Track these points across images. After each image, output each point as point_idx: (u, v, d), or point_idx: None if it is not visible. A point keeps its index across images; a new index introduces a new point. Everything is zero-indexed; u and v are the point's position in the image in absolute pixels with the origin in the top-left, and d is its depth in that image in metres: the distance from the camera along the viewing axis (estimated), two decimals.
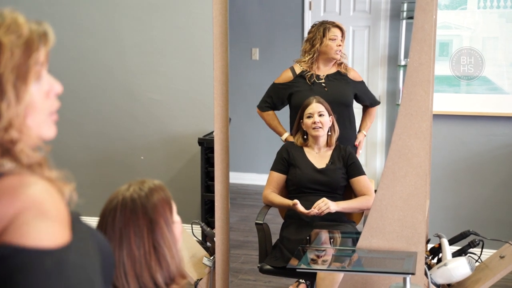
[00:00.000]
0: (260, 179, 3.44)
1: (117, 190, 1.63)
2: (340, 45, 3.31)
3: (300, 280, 3.38)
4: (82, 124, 4.90)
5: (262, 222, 3.18)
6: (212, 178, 4.16)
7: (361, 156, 3.38)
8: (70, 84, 4.80)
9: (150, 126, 4.77)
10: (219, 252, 3.05)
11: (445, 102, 4.15)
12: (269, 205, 3.26)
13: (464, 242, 3.04)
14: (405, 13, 3.60)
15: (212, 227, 3.14)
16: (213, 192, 3.04)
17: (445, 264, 2.78)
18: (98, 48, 4.78)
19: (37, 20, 1.15)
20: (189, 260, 3.11)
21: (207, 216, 4.38)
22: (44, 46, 1.14)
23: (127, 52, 4.74)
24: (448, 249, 2.89)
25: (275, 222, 3.29)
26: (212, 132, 4.33)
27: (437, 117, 4.02)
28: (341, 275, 2.84)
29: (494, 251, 3.16)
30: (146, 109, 4.76)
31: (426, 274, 2.76)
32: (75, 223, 1.11)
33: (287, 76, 3.37)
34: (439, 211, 4.24)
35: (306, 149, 3.24)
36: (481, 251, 2.97)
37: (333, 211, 3.09)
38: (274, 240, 3.25)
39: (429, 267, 2.84)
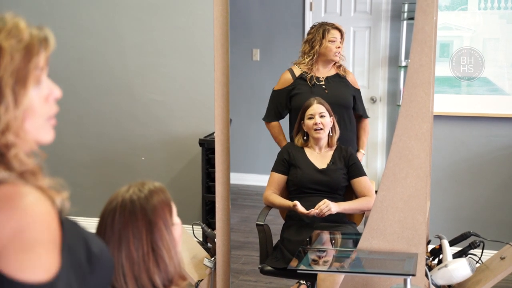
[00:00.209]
0: (261, 180, 3.44)
1: (116, 192, 1.63)
2: (339, 47, 3.31)
3: (301, 281, 3.38)
4: (82, 124, 4.90)
5: (263, 223, 3.18)
6: (213, 179, 4.17)
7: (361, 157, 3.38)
8: (71, 85, 4.81)
9: (151, 127, 4.77)
10: (220, 253, 3.05)
11: (445, 103, 4.15)
12: (269, 206, 3.26)
13: (465, 243, 3.04)
14: (405, 14, 3.60)
15: (213, 228, 3.14)
16: (214, 193, 3.04)
17: (445, 265, 2.78)
18: (99, 48, 4.78)
19: (38, 25, 1.16)
20: (190, 261, 3.12)
21: (208, 217, 4.38)
22: (45, 51, 1.15)
23: (128, 53, 4.74)
24: (449, 250, 2.89)
25: (276, 223, 3.30)
26: (213, 133, 4.33)
27: (438, 118, 4.03)
28: (341, 276, 2.84)
29: (495, 252, 3.16)
30: (147, 109, 4.76)
31: (426, 275, 2.76)
32: (66, 239, 1.12)
33: (287, 78, 3.36)
34: (439, 212, 4.24)
35: (306, 150, 3.24)
36: (482, 252, 2.97)
37: (334, 212, 3.09)
38: (275, 241, 3.25)
39: (430, 268, 2.84)
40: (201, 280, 3.06)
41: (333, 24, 3.31)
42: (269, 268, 3.14)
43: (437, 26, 3.17)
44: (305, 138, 3.24)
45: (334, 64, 3.34)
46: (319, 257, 2.87)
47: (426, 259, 2.83)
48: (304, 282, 3.37)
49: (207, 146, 4.29)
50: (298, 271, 2.69)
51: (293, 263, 2.73)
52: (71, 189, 1.16)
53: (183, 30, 4.60)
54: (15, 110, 1.09)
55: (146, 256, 1.55)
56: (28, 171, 1.10)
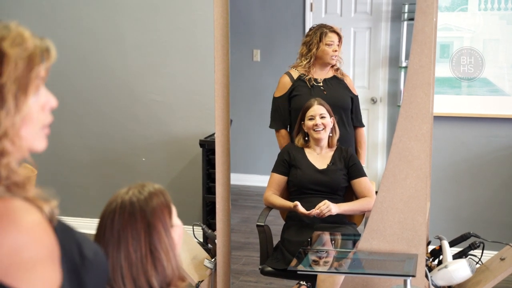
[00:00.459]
0: (261, 180, 3.44)
1: (116, 193, 1.64)
2: (336, 51, 3.30)
3: (301, 282, 3.38)
4: (83, 125, 4.91)
5: (263, 224, 3.19)
6: (213, 180, 4.16)
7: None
8: (72, 85, 4.81)
9: (151, 128, 4.78)
10: (220, 254, 3.05)
11: (446, 103, 4.15)
12: (270, 206, 3.27)
13: (465, 244, 3.04)
14: (406, 15, 3.60)
15: (213, 229, 3.14)
16: (214, 194, 3.05)
17: (445, 266, 2.79)
18: (100, 49, 4.79)
19: (41, 36, 1.18)
20: (190, 262, 3.12)
21: (208, 217, 4.39)
22: (46, 61, 1.17)
23: (129, 53, 4.74)
24: (449, 251, 2.89)
25: (276, 224, 3.30)
26: (213, 134, 4.33)
27: (438, 118, 4.03)
28: (341, 277, 2.84)
29: (495, 253, 3.16)
30: (148, 110, 4.76)
31: (426, 276, 2.77)
32: (61, 249, 1.13)
33: (286, 82, 3.36)
34: (439, 213, 4.24)
35: (307, 150, 3.25)
36: (482, 253, 2.97)
37: (334, 213, 3.09)
38: (275, 242, 3.25)
39: (430, 269, 2.84)
40: (202, 281, 3.07)
41: (331, 27, 3.31)
42: (269, 269, 3.14)
43: (437, 27, 3.17)
44: (306, 139, 3.24)
45: (332, 66, 3.34)
46: (320, 258, 2.87)
47: (426, 260, 2.83)
48: (304, 283, 3.37)
49: (207, 146, 4.29)
50: (299, 272, 2.69)
51: (294, 264, 2.73)
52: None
53: (183, 30, 4.61)
54: (15, 116, 1.10)
55: (144, 258, 1.56)
56: (17, 182, 1.11)
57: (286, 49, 3.87)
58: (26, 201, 1.10)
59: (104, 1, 4.74)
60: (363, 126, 3.40)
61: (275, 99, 3.38)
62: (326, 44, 3.29)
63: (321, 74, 3.34)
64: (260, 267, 3.18)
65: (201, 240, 3.38)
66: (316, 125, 3.18)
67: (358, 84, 3.43)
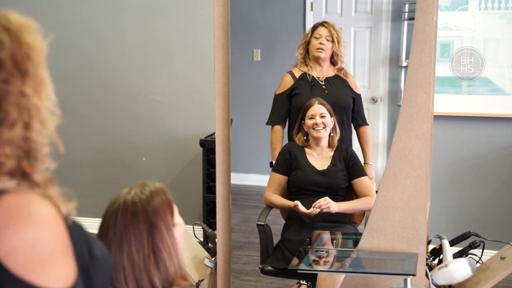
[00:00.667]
0: (262, 180, 3.44)
1: (118, 193, 1.64)
2: (321, 43, 3.30)
3: (301, 281, 3.38)
4: (83, 124, 4.91)
5: (263, 223, 3.19)
6: (213, 179, 4.17)
7: (362, 157, 3.38)
8: (73, 85, 4.81)
9: (152, 127, 4.78)
10: (220, 253, 3.05)
11: (446, 103, 4.15)
12: (270, 206, 3.27)
13: (465, 243, 3.04)
14: (406, 14, 3.60)
15: (214, 228, 3.14)
16: (215, 193, 3.05)
17: (446, 265, 2.79)
18: (100, 49, 4.79)
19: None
20: (191, 261, 3.12)
21: (208, 217, 4.39)
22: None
23: (130, 53, 4.74)
24: (449, 250, 2.89)
25: (276, 223, 3.30)
26: (213, 133, 4.33)
27: (438, 118, 4.03)
28: (342, 276, 2.84)
29: (495, 252, 3.16)
30: (148, 110, 4.76)
31: (427, 275, 2.77)
32: (74, 246, 1.13)
33: (288, 80, 3.36)
34: (440, 212, 4.24)
35: (307, 150, 3.25)
36: (482, 252, 2.97)
37: (334, 211, 3.09)
38: (275, 241, 3.25)
39: (430, 268, 2.84)
40: (202, 280, 3.07)
41: (324, 22, 3.33)
42: (269, 268, 3.14)
43: (437, 26, 3.18)
44: (305, 138, 3.24)
45: (334, 66, 3.34)
46: (320, 257, 2.87)
47: (427, 259, 2.83)
48: (304, 282, 3.37)
49: (207, 146, 4.30)
50: (299, 271, 2.69)
51: (294, 263, 2.73)
52: (71, 189, 1.17)
53: (184, 30, 4.61)
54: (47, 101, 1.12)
55: (147, 258, 1.56)
56: (41, 180, 1.11)
57: (286, 48, 3.88)
58: (44, 197, 1.10)
59: (104, 1, 4.74)
60: (367, 124, 3.40)
61: (275, 97, 3.39)
62: (314, 37, 3.31)
63: (322, 72, 3.34)
64: (260, 266, 3.18)
65: (202, 239, 3.38)
66: (316, 124, 3.18)
67: (358, 83, 3.43)
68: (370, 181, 3.22)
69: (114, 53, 4.76)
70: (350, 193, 3.22)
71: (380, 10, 3.67)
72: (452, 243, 3.01)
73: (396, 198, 2.71)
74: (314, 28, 3.33)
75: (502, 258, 2.94)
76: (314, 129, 3.19)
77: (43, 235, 1.05)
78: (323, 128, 3.19)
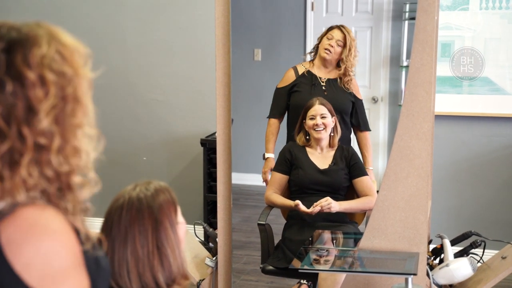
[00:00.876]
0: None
1: (123, 190, 1.65)
2: (331, 45, 3.28)
3: (302, 281, 3.38)
4: None
5: (264, 222, 3.19)
6: (214, 179, 4.17)
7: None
8: None
9: (152, 127, 4.78)
10: (221, 253, 3.05)
11: (447, 103, 4.15)
12: (271, 205, 3.27)
13: (466, 242, 3.04)
14: (407, 14, 3.60)
15: (215, 227, 3.14)
16: (216, 193, 3.05)
17: (447, 265, 2.79)
18: (101, 48, 4.79)
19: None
20: (192, 261, 3.12)
21: (209, 216, 4.39)
22: None
23: (130, 53, 4.74)
24: (450, 250, 2.89)
25: (277, 223, 3.30)
26: (214, 133, 4.33)
27: (439, 118, 4.03)
28: (343, 275, 2.84)
29: (496, 251, 3.16)
30: (149, 109, 4.76)
31: (428, 274, 2.77)
32: (86, 258, 1.14)
33: (290, 76, 3.37)
34: (441, 212, 4.24)
35: (308, 150, 3.25)
36: (483, 252, 2.97)
37: (335, 211, 3.09)
38: (276, 241, 3.25)
39: (431, 267, 2.84)
40: (203, 280, 3.07)
41: (341, 25, 3.30)
42: (270, 267, 3.14)
43: (438, 25, 3.17)
44: (307, 137, 3.24)
45: (338, 68, 3.33)
46: (321, 257, 2.87)
47: (428, 259, 2.83)
48: (305, 281, 3.37)
49: (208, 146, 4.30)
50: (300, 271, 2.69)
51: (295, 263, 2.73)
52: None
53: (184, 30, 4.61)
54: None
55: (151, 254, 1.56)
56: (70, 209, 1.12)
57: (287, 48, 3.88)
58: (55, 209, 1.10)
59: (105, 0, 4.74)
60: (368, 130, 3.39)
61: (276, 90, 3.40)
62: (327, 37, 3.30)
63: (324, 73, 3.34)
64: (261, 266, 3.18)
65: (202, 239, 3.38)
66: (317, 125, 3.18)
67: (359, 83, 3.42)
68: (371, 181, 3.22)
69: (114, 52, 4.76)
70: (351, 193, 3.22)
71: (380, 10, 3.67)
72: (453, 242, 3.01)
73: (397, 198, 2.71)
74: (330, 28, 3.30)
75: (503, 258, 2.94)
76: (314, 129, 3.19)
77: (58, 249, 1.06)
78: (324, 129, 3.19)
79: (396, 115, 3.46)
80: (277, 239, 3.25)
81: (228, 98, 2.94)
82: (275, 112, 3.42)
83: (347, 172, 3.19)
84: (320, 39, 3.33)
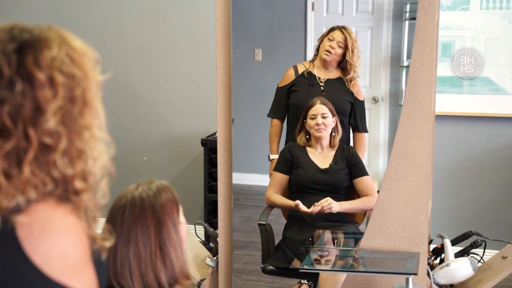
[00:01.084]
0: (263, 179, 3.44)
1: (125, 190, 1.65)
2: (331, 47, 3.27)
3: (303, 281, 3.38)
4: None
5: (265, 222, 3.19)
6: (215, 179, 4.17)
7: (363, 156, 3.37)
8: None
9: (153, 127, 4.78)
10: (222, 253, 3.05)
11: (447, 103, 4.15)
12: (271, 205, 3.27)
13: (467, 242, 3.04)
14: (408, 14, 3.60)
15: (215, 227, 3.14)
16: (216, 193, 3.05)
17: (447, 265, 2.79)
18: (101, 48, 4.74)
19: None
20: (192, 261, 3.12)
21: (210, 216, 4.39)
22: None
23: (131, 53, 4.75)
24: (451, 250, 2.89)
25: (278, 223, 3.30)
26: (215, 133, 4.34)
27: (440, 117, 4.03)
28: (343, 275, 2.84)
29: (497, 251, 3.16)
30: (149, 109, 4.77)
31: (428, 274, 2.77)
32: (92, 254, 1.18)
33: (290, 75, 3.37)
34: (441, 212, 4.24)
35: (309, 149, 3.25)
36: (484, 252, 2.97)
37: (336, 211, 3.09)
38: (277, 241, 3.25)
39: (432, 267, 2.84)
40: (203, 280, 3.07)
41: (343, 26, 3.29)
42: (271, 267, 3.14)
43: (439, 25, 3.18)
44: (307, 137, 3.24)
45: (340, 68, 3.32)
46: (321, 257, 2.87)
47: (428, 258, 2.83)
48: (305, 281, 3.37)
49: (209, 145, 4.30)
50: (300, 271, 2.70)
51: (295, 263, 2.73)
52: None
53: (185, 30, 4.61)
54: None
55: (154, 254, 1.56)
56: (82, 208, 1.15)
57: (287, 48, 3.88)
58: (70, 210, 1.13)
59: (106, 0, 4.74)
60: (365, 131, 3.38)
61: (277, 89, 3.40)
62: (328, 38, 3.29)
63: (325, 73, 3.34)
64: (261, 266, 3.18)
65: (203, 238, 3.38)
66: (317, 124, 3.18)
67: (359, 83, 3.42)
68: (372, 181, 3.22)
69: (115, 52, 4.77)
70: (351, 193, 3.22)
71: (381, 9, 3.67)
72: (454, 242, 3.01)
73: (397, 198, 2.72)
74: (332, 29, 3.30)
75: (504, 258, 2.94)
76: (315, 129, 3.19)
77: (74, 242, 1.09)
78: (324, 128, 3.19)
79: (397, 115, 3.46)
80: (277, 239, 3.25)
81: (229, 98, 2.94)
82: (276, 112, 3.42)
83: (348, 172, 3.19)
84: (321, 39, 3.33)
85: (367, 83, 3.65)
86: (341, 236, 3.14)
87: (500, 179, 4.20)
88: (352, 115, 3.33)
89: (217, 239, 3.07)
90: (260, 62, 3.92)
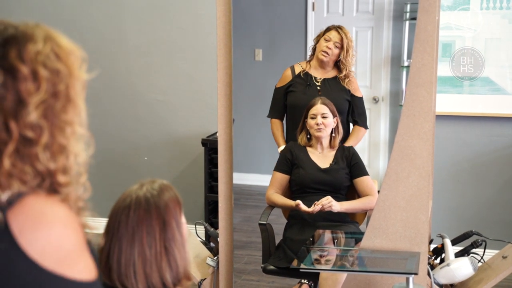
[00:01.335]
0: (263, 179, 3.45)
1: (129, 189, 1.64)
2: (328, 47, 3.28)
3: (303, 280, 3.39)
4: None
5: (265, 222, 3.19)
6: (215, 179, 4.17)
7: (364, 156, 3.38)
8: None
9: (153, 127, 4.78)
10: (222, 253, 3.06)
11: (448, 102, 4.16)
12: (272, 205, 3.27)
13: (467, 242, 3.04)
14: (408, 14, 3.61)
15: (216, 227, 3.14)
16: (217, 193, 3.05)
17: (448, 264, 2.79)
18: (102, 49, 4.79)
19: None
20: (193, 260, 3.12)
21: (210, 216, 4.39)
22: None
23: (131, 53, 4.75)
24: (451, 250, 2.89)
25: (278, 223, 3.30)
26: (215, 133, 4.34)
27: (440, 118, 4.03)
28: (344, 275, 2.84)
29: (497, 251, 3.16)
30: (150, 110, 4.77)
31: (429, 274, 2.77)
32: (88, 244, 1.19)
33: (287, 75, 3.38)
34: (442, 212, 4.25)
35: (309, 149, 3.25)
36: (484, 252, 2.98)
37: (336, 211, 3.09)
38: (277, 241, 3.25)
39: (432, 267, 2.84)
40: (204, 279, 3.07)
41: (338, 26, 3.30)
42: (271, 267, 3.14)
43: (439, 25, 3.18)
44: (308, 136, 3.25)
45: (337, 67, 3.33)
46: (322, 256, 2.87)
47: (429, 258, 2.83)
48: (306, 281, 3.37)
49: (209, 145, 4.30)
50: (301, 270, 2.70)
51: (296, 263, 2.74)
52: None
53: (186, 30, 4.61)
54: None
55: (159, 255, 1.56)
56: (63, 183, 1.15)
57: (288, 48, 3.88)
58: (60, 201, 1.14)
59: (106, 1, 4.74)
60: (365, 127, 3.38)
61: (275, 90, 3.41)
62: (324, 39, 3.29)
63: (321, 73, 3.34)
64: (262, 265, 3.18)
65: (204, 238, 3.38)
66: (317, 124, 3.19)
67: (360, 83, 3.43)
68: (372, 181, 3.23)
69: (115, 52, 4.77)
70: (352, 193, 3.22)
71: (381, 10, 3.68)
72: (454, 242, 3.01)
73: (398, 197, 2.72)
74: (327, 30, 3.30)
75: (504, 257, 2.94)
76: (315, 129, 3.19)
77: (68, 233, 1.10)
78: (324, 128, 3.19)
79: (397, 115, 3.46)
80: (278, 239, 3.25)
81: (229, 98, 2.94)
82: (275, 113, 3.43)
83: (348, 172, 3.20)
84: (317, 40, 3.33)
85: (368, 83, 3.66)
86: (341, 236, 3.14)
87: (500, 179, 4.21)
88: (350, 112, 3.34)
89: (218, 239, 3.07)
90: (261, 62, 3.92)
